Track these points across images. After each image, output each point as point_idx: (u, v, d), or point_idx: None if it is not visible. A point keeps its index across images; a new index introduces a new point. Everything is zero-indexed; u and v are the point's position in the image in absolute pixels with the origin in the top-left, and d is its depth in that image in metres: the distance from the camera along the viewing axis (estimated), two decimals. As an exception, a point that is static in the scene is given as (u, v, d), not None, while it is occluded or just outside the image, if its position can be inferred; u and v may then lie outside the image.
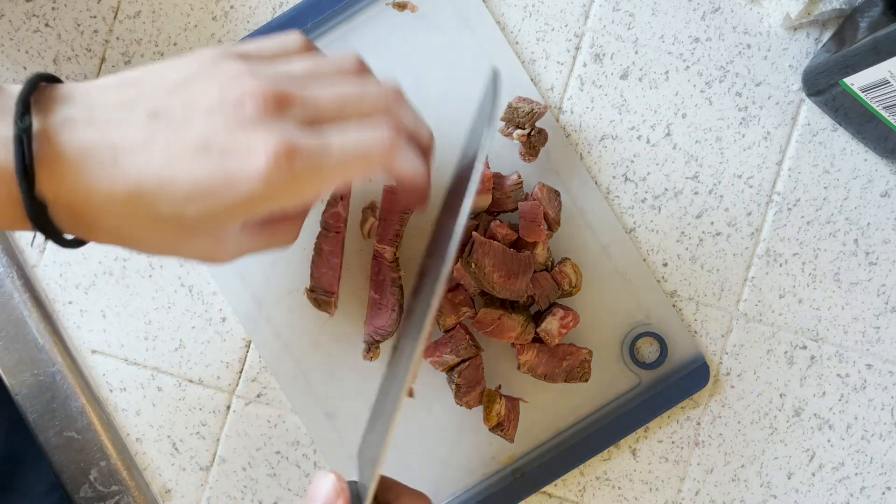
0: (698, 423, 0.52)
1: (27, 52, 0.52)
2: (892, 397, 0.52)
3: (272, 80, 0.37)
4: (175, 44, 0.52)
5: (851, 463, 0.52)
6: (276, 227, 0.41)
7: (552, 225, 0.49)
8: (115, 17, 0.52)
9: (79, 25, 0.52)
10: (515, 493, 0.50)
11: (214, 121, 0.35)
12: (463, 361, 0.48)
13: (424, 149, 0.41)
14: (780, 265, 0.52)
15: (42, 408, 0.51)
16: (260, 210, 0.36)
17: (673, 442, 0.52)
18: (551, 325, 0.47)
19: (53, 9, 0.52)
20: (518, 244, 0.48)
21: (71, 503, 0.51)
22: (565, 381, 0.48)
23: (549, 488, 0.51)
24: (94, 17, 0.52)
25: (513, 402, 0.48)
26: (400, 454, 0.50)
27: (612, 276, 0.51)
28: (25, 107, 0.34)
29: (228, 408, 0.52)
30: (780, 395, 0.52)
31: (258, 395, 0.51)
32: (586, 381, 0.48)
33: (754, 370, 0.52)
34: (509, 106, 0.48)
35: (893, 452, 0.52)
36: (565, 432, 0.50)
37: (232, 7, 0.52)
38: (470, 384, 0.48)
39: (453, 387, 0.48)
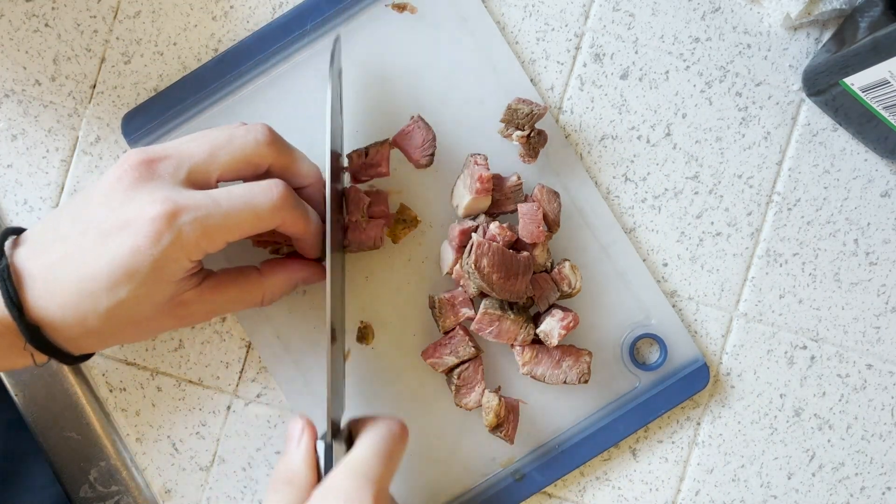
0: (698, 423, 0.52)
1: (27, 52, 0.52)
2: (892, 397, 0.52)
3: (146, 148, 0.42)
4: (175, 44, 0.52)
5: (851, 463, 0.52)
6: (243, 283, 0.45)
7: (552, 226, 0.49)
8: (115, 17, 0.52)
9: (79, 25, 0.52)
10: (516, 495, 0.50)
11: (107, 207, 0.40)
12: (462, 363, 0.48)
13: (314, 194, 0.46)
14: (780, 265, 0.52)
15: (42, 408, 0.51)
16: (174, 268, 0.40)
17: (673, 442, 0.52)
18: (551, 326, 0.47)
19: (53, 9, 0.52)
20: (517, 245, 0.48)
21: (71, 503, 0.51)
22: (565, 382, 0.48)
23: (549, 488, 0.51)
24: (94, 17, 0.52)
25: (512, 404, 0.48)
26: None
27: (612, 276, 0.51)
28: (0, 252, 0.41)
29: (228, 408, 0.52)
30: (780, 395, 0.52)
31: (258, 395, 0.51)
32: (586, 382, 0.48)
33: (754, 370, 0.52)
34: (509, 108, 0.48)
35: (893, 452, 0.52)
36: (565, 433, 0.50)
37: (232, 7, 0.52)
38: (469, 385, 0.48)
39: (453, 388, 0.48)
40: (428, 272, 0.51)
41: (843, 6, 0.50)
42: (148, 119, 0.50)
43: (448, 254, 0.48)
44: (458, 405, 0.48)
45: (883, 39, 0.43)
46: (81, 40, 0.52)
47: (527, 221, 0.47)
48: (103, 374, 0.51)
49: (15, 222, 0.52)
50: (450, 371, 0.49)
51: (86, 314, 0.40)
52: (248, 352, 0.51)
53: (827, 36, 0.51)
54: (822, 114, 0.52)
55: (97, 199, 0.41)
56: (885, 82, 0.44)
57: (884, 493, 0.52)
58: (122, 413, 0.51)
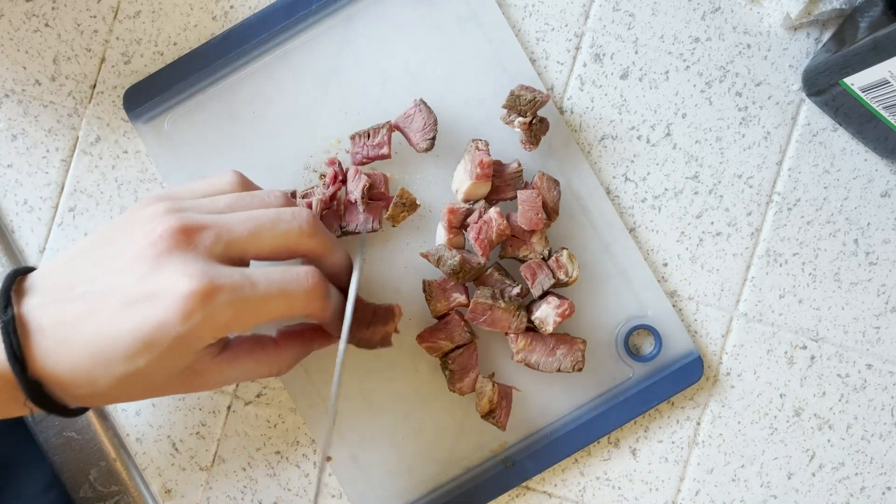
0: (698, 423, 0.52)
1: (27, 52, 0.52)
2: (892, 397, 0.52)
3: (186, 213, 0.39)
4: (175, 44, 0.52)
5: (851, 463, 0.52)
6: (261, 355, 0.44)
7: (550, 214, 0.48)
8: (115, 17, 0.52)
9: (79, 25, 0.52)
10: (506, 482, 0.50)
11: (134, 272, 0.38)
12: (457, 348, 0.48)
13: (342, 277, 0.45)
14: (780, 265, 0.52)
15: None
16: (196, 345, 0.38)
17: (673, 442, 0.52)
18: (546, 313, 0.47)
19: (53, 9, 0.52)
20: (515, 233, 0.48)
21: (70, 503, 0.51)
22: (559, 370, 0.48)
23: (549, 488, 0.51)
24: (94, 16, 0.52)
25: (505, 391, 0.48)
26: (390, 440, 0.50)
27: (609, 267, 0.51)
28: (7, 300, 0.39)
29: (228, 408, 0.52)
30: (780, 395, 0.52)
31: (258, 395, 0.51)
32: (580, 370, 0.48)
33: (754, 370, 0.52)
34: (511, 94, 0.48)
35: (893, 452, 0.52)
36: (557, 422, 0.50)
37: (232, 7, 0.52)
38: (464, 371, 0.48)
39: (447, 373, 0.48)
40: (426, 259, 0.51)
41: (843, 6, 0.50)
42: (151, 94, 0.50)
43: (441, 235, 0.48)
44: (451, 390, 0.48)
45: (883, 39, 0.43)
46: (81, 40, 0.52)
47: (526, 208, 0.47)
48: (103, 374, 0.51)
49: (15, 222, 0.52)
50: (444, 356, 0.49)
51: (97, 377, 0.38)
52: (248, 352, 0.51)
53: (827, 36, 0.51)
54: (822, 114, 0.52)
55: (123, 259, 0.38)
56: (885, 82, 0.44)
57: (884, 493, 0.52)
58: (122, 413, 0.51)
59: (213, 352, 0.41)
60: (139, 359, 0.38)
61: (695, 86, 0.52)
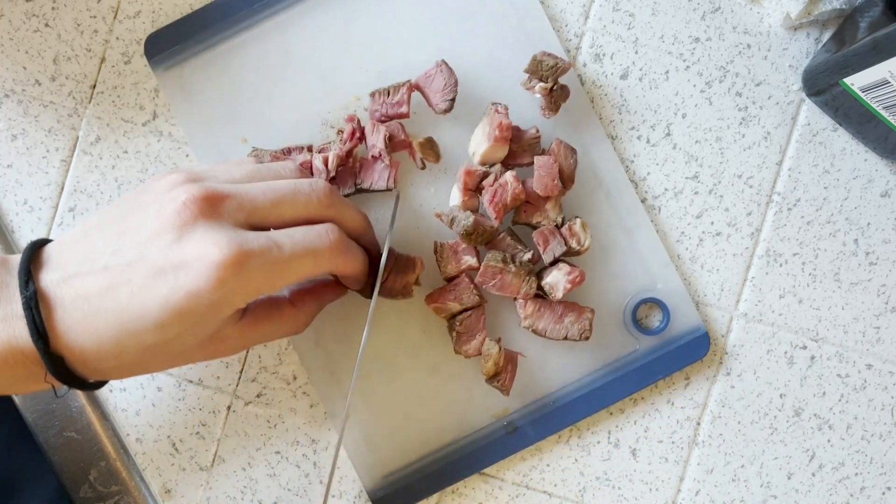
0: (698, 423, 0.52)
1: (27, 52, 0.52)
2: (892, 397, 0.52)
3: (206, 183, 0.40)
4: (175, 44, 0.52)
5: (851, 463, 0.52)
6: (278, 317, 0.44)
7: (566, 182, 0.48)
8: (115, 17, 0.52)
9: (79, 25, 0.52)
10: (506, 447, 0.50)
11: (160, 242, 0.38)
12: (466, 310, 0.49)
13: (363, 239, 0.46)
14: (780, 265, 0.52)
15: (42, 408, 0.51)
16: (227, 310, 0.39)
17: (673, 442, 0.52)
18: (556, 279, 0.47)
19: (53, 9, 0.52)
20: (529, 200, 0.48)
21: (71, 503, 0.51)
22: (566, 338, 0.48)
23: (549, 488, 0.51)
24: (94, 17, 0.52)
25: (511, 355, 0.48)
26: (394, 398, 0.51)
27: (622, 239, 0.51)
28: (27, 275, 0.39)
29: (228, 408, 0.52)
30: (780, 395, 0.52)
31: (258, 395, 0.51)
32: (587, 339, 0.48)
33: (754, 370, 0.52)
34: (533, 59, 0.48)
35: (893, 452, 0.52)
36: (561, 390, 0.50)
37: (232, 7, 0.52)
38: (470, 333, 0.48)
39: (453, 335, 0.48)
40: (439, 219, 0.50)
41: (843, 6, 0.50)
42: (172, 41, 0.51)
43: (455, 196, 0.48)
44: (457, 352, 0.48)
45: (883, 39, 0.43)
46: (81, 40, 0.52)
47: (542, 174, 0.47)
48: (103, 374, 0.52)
49: (15, 222, 0.52)
50: (452, 317, 0.49)
51: (124, 349, 0.38)
52: (248, 352, 0.51)
53: (827, 36, 0.51)
54: (822, 114, 0.52)
55: (147, 230, 0.38)
56: (885, 82, 0.44)
57: (884, 493, 0.52)
58: (122, 413, 0.51)
59: (237, 317, 0.42)
60: (170, 328, 0.38)
61: (695, 86, 0.52)
